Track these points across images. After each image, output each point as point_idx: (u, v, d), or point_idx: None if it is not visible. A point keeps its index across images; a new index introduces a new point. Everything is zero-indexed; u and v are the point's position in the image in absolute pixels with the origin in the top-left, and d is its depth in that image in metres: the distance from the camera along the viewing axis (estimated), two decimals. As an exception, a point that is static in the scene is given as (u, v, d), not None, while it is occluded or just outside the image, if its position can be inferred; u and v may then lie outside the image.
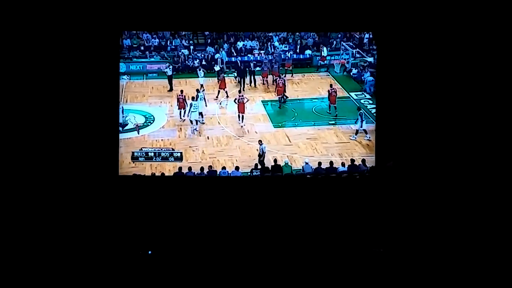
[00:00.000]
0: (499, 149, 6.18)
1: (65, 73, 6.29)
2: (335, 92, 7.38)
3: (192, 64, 7.82)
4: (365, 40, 7.33)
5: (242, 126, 7.42)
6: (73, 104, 6.30)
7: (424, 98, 6.55)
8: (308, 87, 7.75)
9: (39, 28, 6.28)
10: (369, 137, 6.97)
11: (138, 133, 7.19)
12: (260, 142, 7.04)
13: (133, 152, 6.74)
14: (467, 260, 5.55)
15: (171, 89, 7.71)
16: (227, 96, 7.78)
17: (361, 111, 7.17)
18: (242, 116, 7.42)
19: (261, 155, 6.93)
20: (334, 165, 6.77)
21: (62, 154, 6.27)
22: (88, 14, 6.29)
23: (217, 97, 7.76)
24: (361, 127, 7.14)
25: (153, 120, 7.46)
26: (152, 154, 6.80)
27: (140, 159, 6.77)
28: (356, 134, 7.16)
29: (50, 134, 6.28)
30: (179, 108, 7.45)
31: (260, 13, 6.63)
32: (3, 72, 6.23)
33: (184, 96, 7.46)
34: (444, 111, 6.46)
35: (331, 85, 7.48)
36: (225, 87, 7.77)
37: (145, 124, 7.38)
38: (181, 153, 6.91)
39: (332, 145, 7.18)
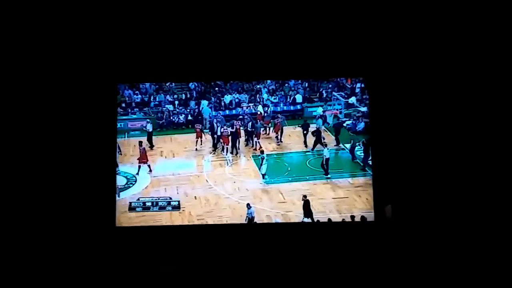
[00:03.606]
0: (500, 187, 6.21)
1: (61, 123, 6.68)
2: (280, 122, 7.56)
3: (177, 120, 7.58)
4: (357, 90, 7.24)
5: (225, 158, 7.45)
6: (66, 155, 6.59)
7: (421, 144, 6.56)
8: (301, 140, 7.53)
9: (35, 80, 6.66)
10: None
11: (119, 196, 6.80)
12: (248, 205, 6.75)
13: (130, 202, 6.76)
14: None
15: (151, 146, 7.39)
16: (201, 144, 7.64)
17: (263, 154, 7.29)
18: (227, 148, 7.47)
19: (251, 220, 6.62)
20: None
21: (58, 206, 6.49)
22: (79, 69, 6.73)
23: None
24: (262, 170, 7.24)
25: (135, 181, 7.08)
26: (150, 203, 6.77)
27: (137, 209, 6.73)
28: (263, 177, 7.16)
29: (45, 186, 6.51)
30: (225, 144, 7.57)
31: (249, 63, 6.79)
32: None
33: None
34: (442, 157, 6.45)
35: (278, 116, 7.57)
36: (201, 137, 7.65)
37: (126, 186, 6.99)
38: (178, 201, 6.79)
39: (329, 200, 6.89)
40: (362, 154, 7.13)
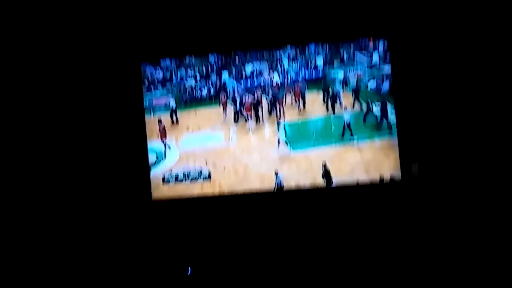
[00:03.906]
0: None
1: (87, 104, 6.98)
2: (300, 88, 7.44)
3: (200, 93, 7.64)
4: (380, 50, 7.10)
5: (249, 128, 7.39)
6: (97, 137, 6.97)
7: (445, 103, 6.49)
8: (323, 105, 7.50)
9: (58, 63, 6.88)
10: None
11: (151, 172, 7.05)
12: (276, 173, 6.85)
13: (163, 177, 7.09)
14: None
15: (176, 122, 7.50)
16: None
17: (280, 120, 7.30)
18: (250, 115, 7.40)
19: (280, 188, 6.74)
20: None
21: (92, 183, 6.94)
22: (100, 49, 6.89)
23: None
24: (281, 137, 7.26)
25: (165, 157, 7.30)
26: (182, 176, 7.04)
27: (170, 182, 7.07)
28: (286, 144, 7.18)
29: (76, 167, 6.90)
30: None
31: (267, 29, 6.78)
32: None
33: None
34: (469, 117, 6.39)
35: (298, 81, 7.43)
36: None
37: (156, 161, 7.22)
38: (209, 172, 7.01)
39: (357, 163, 6.96)
40: (381, 114, 7.06)
